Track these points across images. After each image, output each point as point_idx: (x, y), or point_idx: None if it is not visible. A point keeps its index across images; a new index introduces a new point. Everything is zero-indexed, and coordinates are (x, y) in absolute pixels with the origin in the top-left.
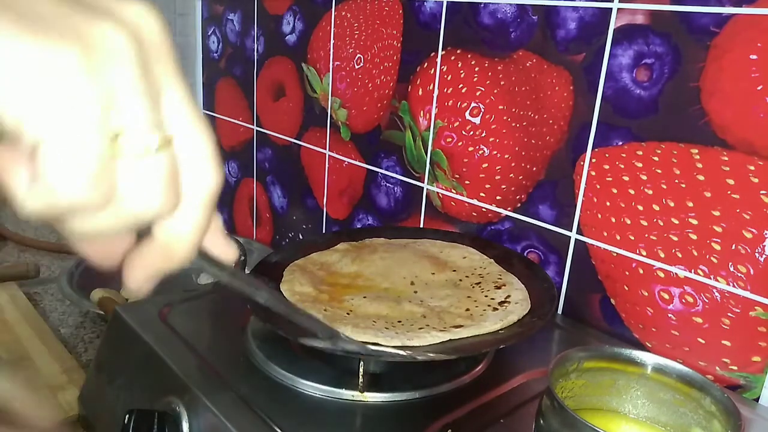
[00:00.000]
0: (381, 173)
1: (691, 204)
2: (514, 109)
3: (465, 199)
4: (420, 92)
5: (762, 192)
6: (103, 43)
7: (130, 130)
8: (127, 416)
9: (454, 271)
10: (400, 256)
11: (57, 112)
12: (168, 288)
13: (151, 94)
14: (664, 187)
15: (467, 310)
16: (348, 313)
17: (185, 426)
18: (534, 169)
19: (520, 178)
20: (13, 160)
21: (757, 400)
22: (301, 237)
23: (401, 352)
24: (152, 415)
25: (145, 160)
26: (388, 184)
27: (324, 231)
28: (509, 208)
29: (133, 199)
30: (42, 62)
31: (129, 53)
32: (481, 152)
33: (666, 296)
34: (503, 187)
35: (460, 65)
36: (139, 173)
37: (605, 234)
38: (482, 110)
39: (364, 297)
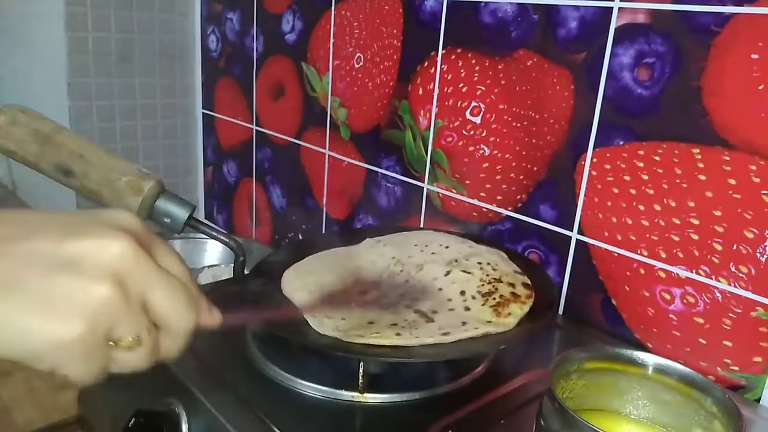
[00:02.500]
0: (381, 173)
1: (692, 204)
2: (514, 109)
3: (465, 198)
4: (420, 91)
5: (763, 192)
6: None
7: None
8: (133, 418)
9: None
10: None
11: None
12: None
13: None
14: (666, 187)
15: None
16: None
17: (184, 427)
18: (535, 168)
19: (521, 177)
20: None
21: (758, 400)
22: (300, 237)
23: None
24: (158, 416)
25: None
26: (388, 184)
27: (324, 231)
28: (510, 208)
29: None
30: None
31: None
32: (481, 152)
33: (667, 296)
34: (504, 186)
35: (460, 64)
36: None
37: (606, 234)
38: (483, 109)
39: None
